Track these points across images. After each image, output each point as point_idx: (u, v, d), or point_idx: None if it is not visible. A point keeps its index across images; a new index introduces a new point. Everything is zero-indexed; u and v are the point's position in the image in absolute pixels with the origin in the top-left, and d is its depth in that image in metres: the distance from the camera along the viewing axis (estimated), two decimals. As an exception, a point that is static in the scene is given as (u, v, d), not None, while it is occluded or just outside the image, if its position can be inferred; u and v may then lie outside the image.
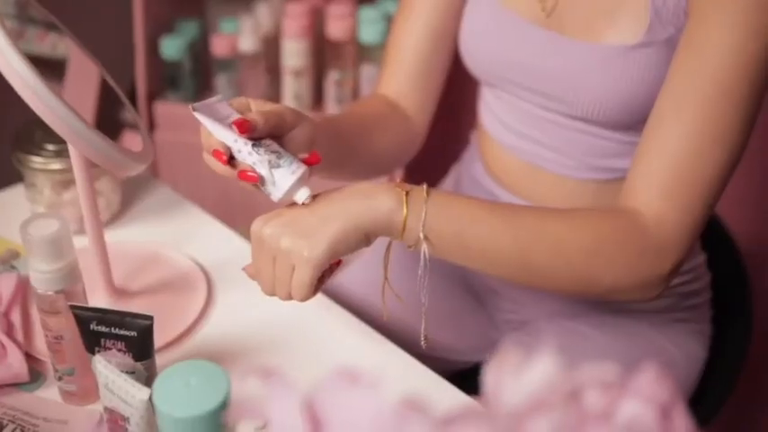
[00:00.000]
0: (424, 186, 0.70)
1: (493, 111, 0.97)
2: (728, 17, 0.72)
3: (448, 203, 0.70)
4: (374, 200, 0.69)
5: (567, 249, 0.72)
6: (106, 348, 0.69)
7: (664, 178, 0.73)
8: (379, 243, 1.14)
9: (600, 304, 0.98)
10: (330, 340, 0.85)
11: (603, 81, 0.81)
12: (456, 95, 1.95)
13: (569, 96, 0.84)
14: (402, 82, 0.97)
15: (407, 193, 0.69)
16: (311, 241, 0.67)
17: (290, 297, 0.70)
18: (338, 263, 0.72)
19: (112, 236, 0.98)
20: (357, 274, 1.09)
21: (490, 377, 0.35)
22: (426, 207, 0.69)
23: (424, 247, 0.70)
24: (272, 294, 0.71)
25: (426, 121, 1.01)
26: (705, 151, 0.72)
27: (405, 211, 0.68)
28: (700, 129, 0.72)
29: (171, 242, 0.98)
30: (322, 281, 0.71)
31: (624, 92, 0.81)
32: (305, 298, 0.69)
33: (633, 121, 0.83)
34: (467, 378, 1.07)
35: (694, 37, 0.74)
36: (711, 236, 1.07)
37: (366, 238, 0.69)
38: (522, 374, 0.34)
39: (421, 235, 0.69)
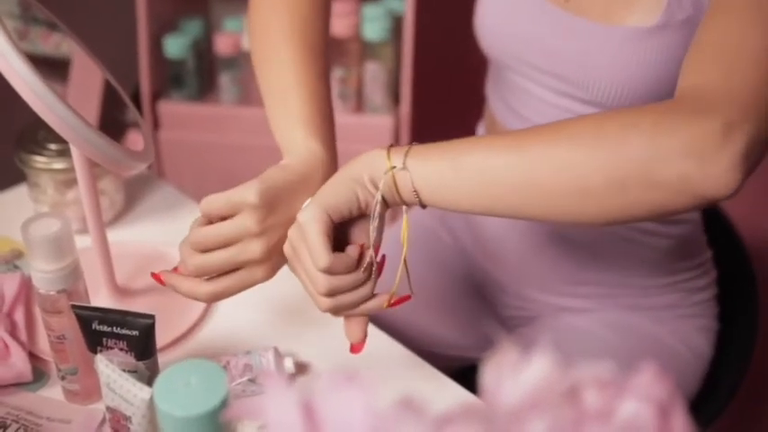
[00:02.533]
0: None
1: (504, 98, 0.96)
2: None
3: (434, 144, 0.67)
4: (359, 158, 0.68)
5: (598, 137, 0.60)
6: (108, 348, 0.69)
7: (703, 57, 0.65)
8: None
9: (605, 301, 0.98)
10: (333, 337, 0.85)
11: (619, 64, 0.81)
12: (462, 89, 1.94)
13: (584, 79, 0.83)
14: None
15: (391, 146, 0.67)
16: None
17: (327, 289, 0.66)
18: (383, 260, 0.70)
19: (116, 235, 0.98)
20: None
21: (488, 376, 0.35)
22: (410, 146, 0.66)
23: (409, 174, 0.65)
24: (322, 292, 0.67)
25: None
26: (748, 32, 0.64)
27: (386, 151, 0.66)
28: (741, 15, 0.64)
29: (174, 241, 0.97)
30: (372, 277, 0.69)
31: (640, 74, 0.80)
32: (325, 263, 0.64)
33: None
34: (470, 375, 1.07)
35: None
36: (718, 232, 1.06)
37: (361, 187, 0.66)
38: (520, 373, 0.34)
39: (401, 162, 0.65)
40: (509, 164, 0.63)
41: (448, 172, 0.64)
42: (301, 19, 0.82)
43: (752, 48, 0.62)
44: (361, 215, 0.68)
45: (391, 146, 0.67)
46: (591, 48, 0.83)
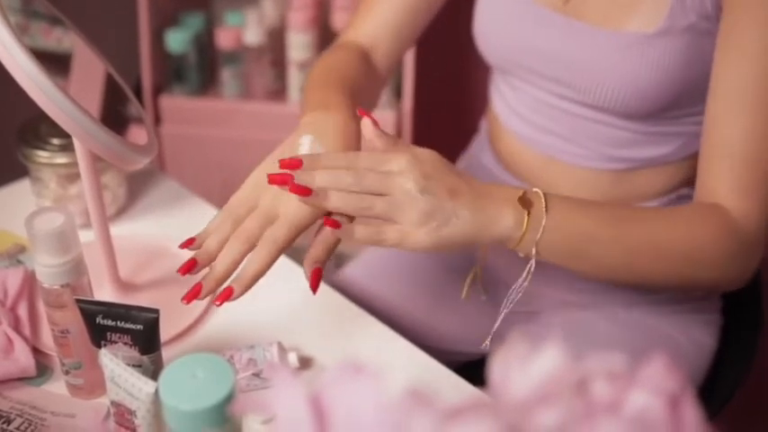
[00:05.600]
0: (543, 202, 0.68)
1: (507, 100, 0.96)
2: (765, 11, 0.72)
3: (565, 221, 0.70)
4: (500, 216, 0.67)
5: (669, 255, 0.74)
6: (112, 342, 0.68)
7: (741, 178, 0.74)
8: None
9: (610, 295, 0.98)
10: (337, 332, 0.85)
11: (621, 69, 0.81)
12: (464, 84, 1.94)
13: (586, 84, 0.84)
14: (379, 28, 0.94)
15: (529, 213, 0.68)
16: (429, 227, 0.65)
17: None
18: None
19: (119, 230, 0.98)
20: (363, 267, 1.08)
21: (496, 368, 0.34)
22: (544, 226, 0.68)
23: (532, 262, 0.71)
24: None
25: (387, 78, 0.98)
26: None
27: (523, 231, 0.68)
28: (763, 126, 0.73)
29: (177, 235, 0.98)
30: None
31: (641, 80, 0.80)
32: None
33: (649, 111, 0.83)
34: (474, 370, 1.06)
35: (736, 34, 0.74)
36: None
37: (471, 246, 0.69)
38: (529, 365, 0.33)
39: (533, 251, 0.69)
40: (617, 266, 0.74)
41: (566, 255, 0.72)
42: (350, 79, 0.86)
43: None
44: None
45: (528, 210, 0.68)
46: (592, 52, 0.83)
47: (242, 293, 0.67)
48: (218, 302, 0.67)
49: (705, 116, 0.77)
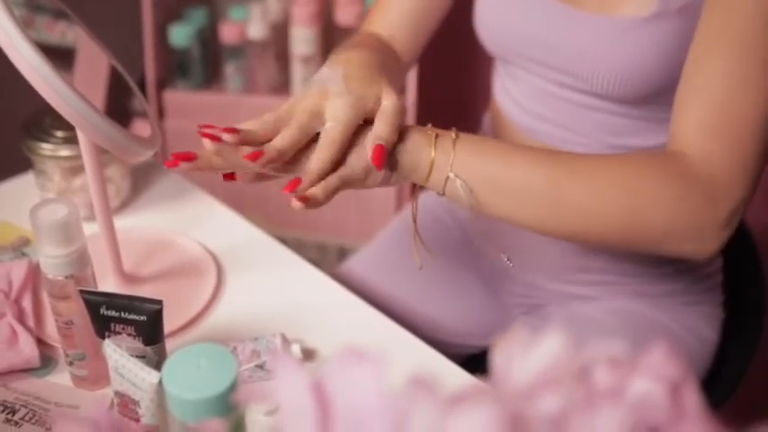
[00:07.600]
0: (453, 130, 0.70)
1: (508, 90, 0.97)
2: None
3: (478, 144, 0.70)
4: (405, 141, 0.69)
5: (604, 185, 0.69)
6: (116, 333, 0.69)
7: (705, 118, 0.70)
8: (389, 233, 1.14)
9: (612, 289, 0.98)
10: (339, 324, 0.85)
11: (617, 54, 0.81)
12: (467, 79, 1.94)
13: (584, 71, 0.84)
14: (397, 20, 0.94)
15: (437, 136, 0.69)
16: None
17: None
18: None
19: (123, 222, 0.98)
20: (365, 259, 1.09)
21: (498, 356, 0.35)
22: (455, 148, 0.69)
23: (459, 183, 0.69)
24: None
25: (407, 68, 0.99)
26: (747, 89, 0.70)
27: (433, 152, 0.69)
28: (736, 67, 0.70)
29: (181, 228, 0.98)
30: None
31: (638, 64, 0.80)
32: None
33: (648, 95, 0.83)
34: (476, 362, 1.07)
35: None
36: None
37: (387, 176, 0.70)
38: (531, 353, 0.34)
39: (451, 174, 0.69)
40: (542, 201, 0.70)
41: (484, 185, 0.69)
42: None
43: (752, 121, 0.69)
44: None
45: (437, 135, 0.70)
46: (589, 39, 0.83)
47: (309, 186, 0.65)
48: (296, 203, 0.64)
49: (685, 65, 0.74)
